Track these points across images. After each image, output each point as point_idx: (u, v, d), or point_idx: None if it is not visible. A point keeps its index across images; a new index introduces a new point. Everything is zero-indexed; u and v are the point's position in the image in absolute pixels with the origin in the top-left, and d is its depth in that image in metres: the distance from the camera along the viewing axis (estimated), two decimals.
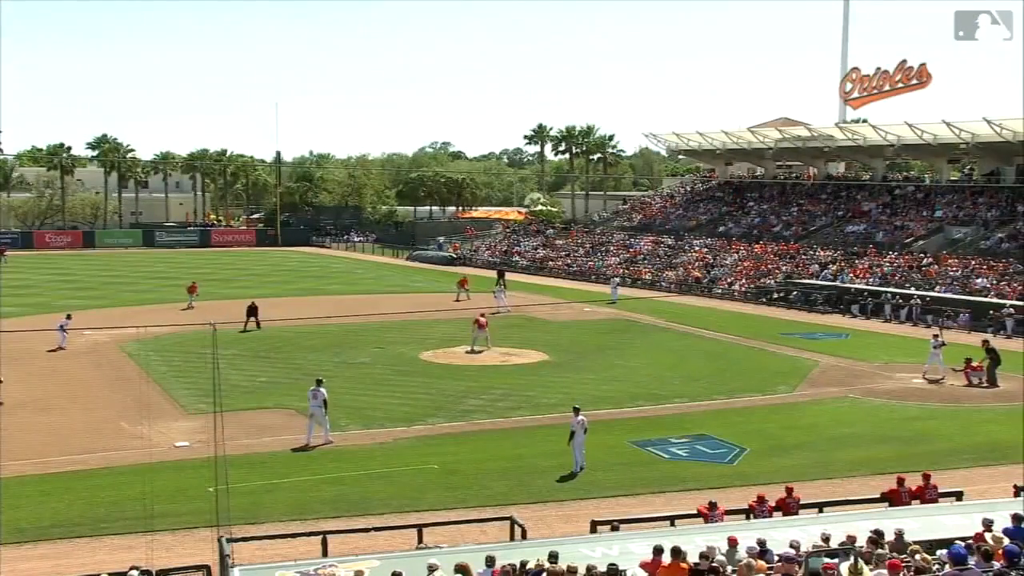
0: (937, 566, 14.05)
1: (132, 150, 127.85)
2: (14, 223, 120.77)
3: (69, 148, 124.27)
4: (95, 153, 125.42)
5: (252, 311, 51.73)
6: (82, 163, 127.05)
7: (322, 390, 30.05)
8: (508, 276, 74.55)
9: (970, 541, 14.90)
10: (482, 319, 46.46)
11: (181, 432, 30.85)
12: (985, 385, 38.34)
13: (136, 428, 31.46)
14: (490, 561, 14.81)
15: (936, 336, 41.92)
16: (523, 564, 14.28)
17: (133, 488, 25.43)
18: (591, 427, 28.84)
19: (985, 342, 40.70)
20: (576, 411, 27.84)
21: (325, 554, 17.56)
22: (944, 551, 14.56)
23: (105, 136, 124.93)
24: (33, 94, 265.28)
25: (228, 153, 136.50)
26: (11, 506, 24.39)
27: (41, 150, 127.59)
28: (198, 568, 18.31)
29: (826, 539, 15.90)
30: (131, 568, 16.81)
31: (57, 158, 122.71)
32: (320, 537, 18.46)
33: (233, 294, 65.08)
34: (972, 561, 13.46)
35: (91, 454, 28.65)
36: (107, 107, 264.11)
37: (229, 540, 17.11)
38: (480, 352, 45.35)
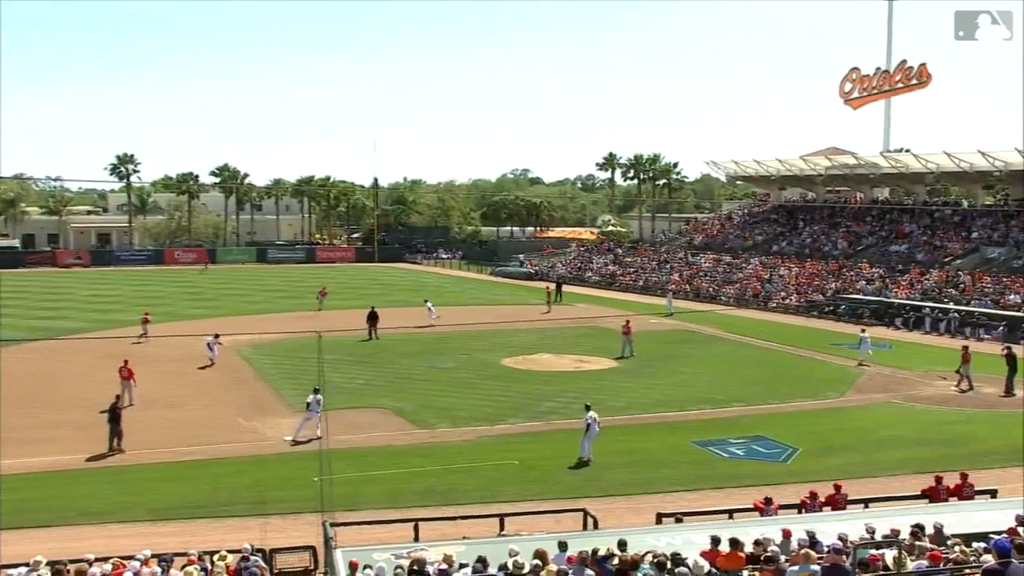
0: (974, 558, 13.76)
1: (248, 177, 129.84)
2: (148, 242, 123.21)
3: (196, 176, 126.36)
4: (217, 180, 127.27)
5: (372, 318, 51.71)
6: (206, 189, 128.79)
7: (319, 396, 30.41)
8: (581, 290, 74.40)
9: (1004, 535, 14.55)
10: (627, 325, 46.50)
11: (289, 428, 31.12)
12: (1002, 395, 37.46)
13: (251, 423, 31.93)
14: (562, 546, 14.75)
15: (863, 330, 46.39)
16: (595, 551, 14.21)
17: (248, 476, 25.88)
18: (657, 427, 28.77)
19: (1007, 348, 39.90)
20: (587, 408, 28.09)
21: (417, 539, 17.59)
22: (981, 544, 14.26)
23: (226, 165, 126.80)
24: (166, 130, 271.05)
25: (331, 179, 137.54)
26: (145, 488, 25.04)
27: (172, 178, 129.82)
28: (305, 548, 18.50)
29: (871, 532, 15.68)
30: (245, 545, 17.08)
31: (185, 185, 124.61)
32: (412, 524, 18.53)
33: (336, 305, 65.79)
34: None
35: (212, 445, 29.11)
36: (228, 139, 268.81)
37: (332, 524, 17.22)
38: (628, 358, 45.31)
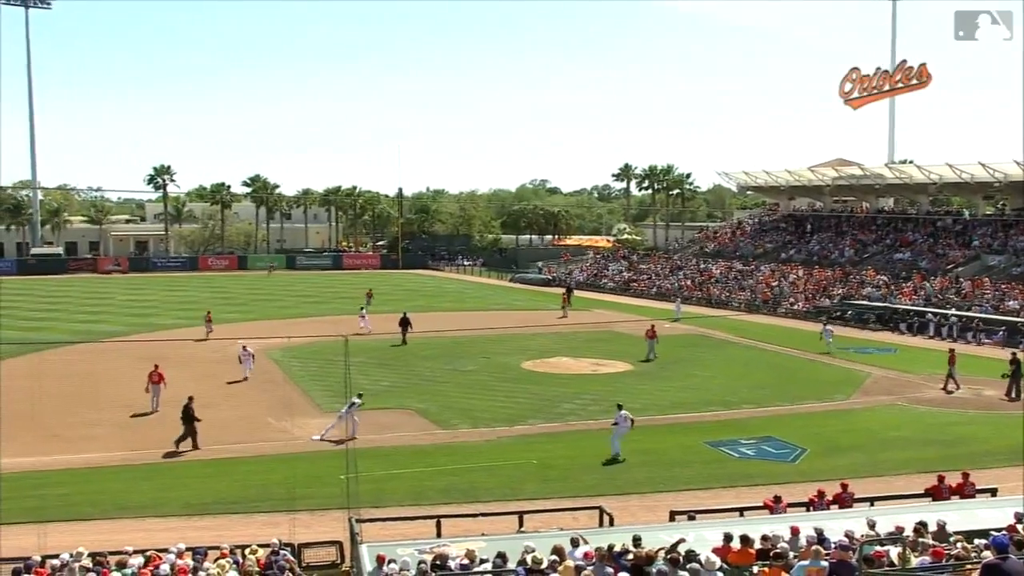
0: (975, 554, 13.70)
1: (278, 187, 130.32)
2: (184, 249, 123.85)
3: (228, 187, 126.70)
4: (249, 190, 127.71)
5: (405, 323, 51.28)
6: (238, 199, 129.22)
7: (355, 400, 30.26)
8: (597, 296, 74.19)
9: (1004, 532, 14.49)
10: (651, 330, 46.68)
11: (317, 427, 31.20)
12: (1007, 398, 37.15)
13: (280, 423, 32.02)
14: (575, 542, 14.78)
15: (825, 323, 52.38)
16: (610, 547, 14.23)
17: (278, 474, 25.97)
18: (671, 428, 28.77)
19: (1013, 354, 39.70)
20: (619, 407, 28.41)
21: (439, 535, 17.64)
22: (981, 540, 14.20)
23: (257, 176, 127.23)
24: (200, 142, 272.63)
25: (357, 189, 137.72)
26: (180, 485, 25.21)
27: (206, 188, 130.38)
28: (332, 543, 18.57)
29: (872, 525, 15.70)
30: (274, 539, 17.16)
31: (219, 195, 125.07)
32: (435, 520, 18.56)
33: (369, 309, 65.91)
34: None
35: (243, 444, 29.27)
36: (258, 151, 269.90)
37: (358, 520, 17.26)
38: (651, 360, 45.27)
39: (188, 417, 28.96)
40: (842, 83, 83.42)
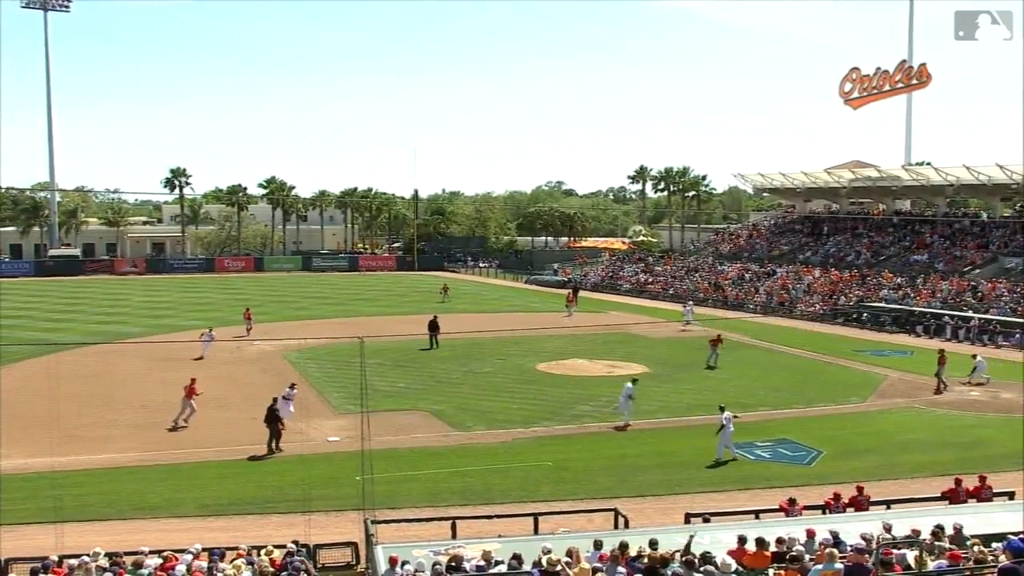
0: (992, 558, 13.66)
1: (294, 188, 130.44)
2: (200, 251, 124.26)
3: (244, 188, 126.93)
4: (265, 192, 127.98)
5: (434, 326, 50.69)
6: (254, 200, 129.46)
7: (629, 385, 32.83)
8: (612, 298, 74.01)
9: (1021, 536, 14.43)
10: (717, 338, 45.94)
11: (333, 429, 31.34)
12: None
13: (296, 424, 32.03)
14: (598, 545, 14.80)
15: (686, 303, 58.89)
16: (624, 545, 14.25)
17: (294, 475, 26.00)
18: (686, 430, 28.74)
19: None
20: (722, 409, 28.51)
21: (454, 536, 17.66)
22: (999, 544, 14.14)
23: (273, 177, 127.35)
24: (216, 144, 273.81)
25: (373, 191, 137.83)
26: (197, 486, 25.29)
27: (222, 190, 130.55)
28: (347, 544, 18.61)
29: (887, 528, 15.67)
30: (291, 542, 17.22)
31: (235, 196, 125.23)
32: (450, 522, 18.58)
33: (379, 311, 66.03)
34: None
35: (260, 445, 29.23)
36: (274, 153, 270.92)
37: (373, 522, 17.31)
38: (714, 368, 44.35)
39: (272, 417, 29.08)
40: (842, 83, 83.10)
